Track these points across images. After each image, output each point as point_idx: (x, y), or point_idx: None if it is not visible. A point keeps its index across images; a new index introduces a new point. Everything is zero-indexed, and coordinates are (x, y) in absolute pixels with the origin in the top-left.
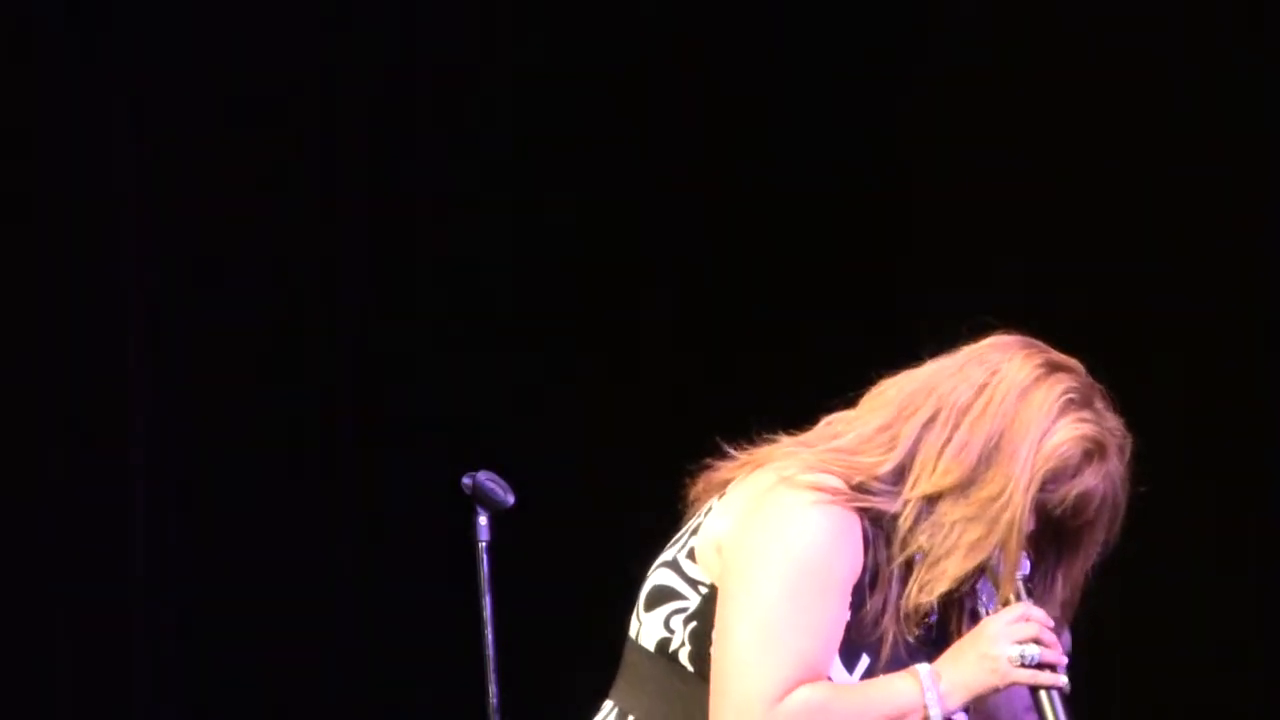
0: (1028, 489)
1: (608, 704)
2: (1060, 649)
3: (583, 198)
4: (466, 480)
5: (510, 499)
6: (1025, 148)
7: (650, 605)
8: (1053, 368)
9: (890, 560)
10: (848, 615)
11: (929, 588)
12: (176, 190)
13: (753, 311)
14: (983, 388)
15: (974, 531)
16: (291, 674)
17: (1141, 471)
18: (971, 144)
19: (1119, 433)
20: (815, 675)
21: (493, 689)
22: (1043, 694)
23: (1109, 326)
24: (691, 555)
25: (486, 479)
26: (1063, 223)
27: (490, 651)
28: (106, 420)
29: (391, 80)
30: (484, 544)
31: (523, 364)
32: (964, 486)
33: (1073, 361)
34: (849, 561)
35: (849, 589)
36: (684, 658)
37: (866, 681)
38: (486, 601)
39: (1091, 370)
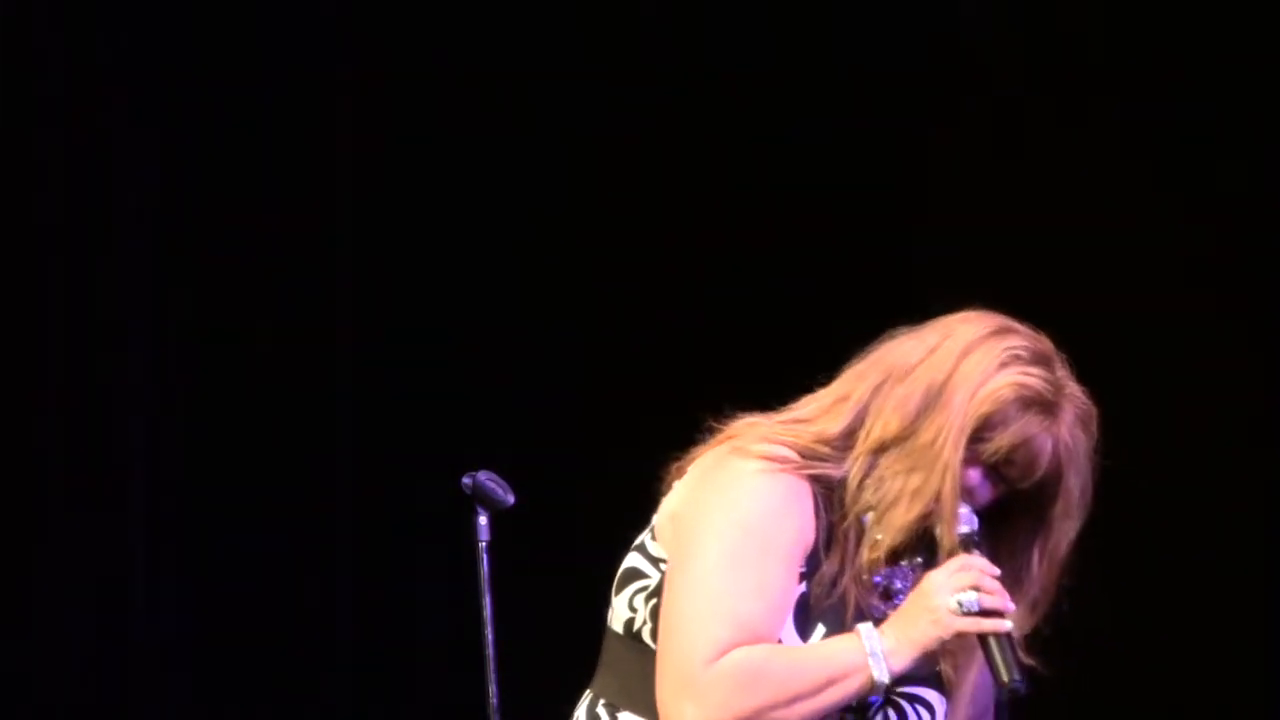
0: (961, 431)
1: (586, 693)
2: (1004, 596)
3: (583, 197)
4: (467, 480)
5: (510, 499)
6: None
7: (619, 588)
8: (1007, 330)
9: (843, 521)
10: (796, 583)
11: (878, 544)
12: (177, 188)
13: (756, 312)
14: (933, 349)
15: (914, 479)
16: (291, 673)
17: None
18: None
19: (1077, 399)
20: (758, 639)
21: (493, 689)
22: (991, 640)
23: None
24: (653, 533)
25: (486, 479)
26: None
27: (490, 651)
28: (106, 421)
29: (391, 79)
30: (484, 544)
31: (524, 363)
32: (904, 437)
33: (1035, 331)
34: (795, 527)
35: (796, 555)
36: (646, 635)
37: (810, 644)
38: (486, 601)
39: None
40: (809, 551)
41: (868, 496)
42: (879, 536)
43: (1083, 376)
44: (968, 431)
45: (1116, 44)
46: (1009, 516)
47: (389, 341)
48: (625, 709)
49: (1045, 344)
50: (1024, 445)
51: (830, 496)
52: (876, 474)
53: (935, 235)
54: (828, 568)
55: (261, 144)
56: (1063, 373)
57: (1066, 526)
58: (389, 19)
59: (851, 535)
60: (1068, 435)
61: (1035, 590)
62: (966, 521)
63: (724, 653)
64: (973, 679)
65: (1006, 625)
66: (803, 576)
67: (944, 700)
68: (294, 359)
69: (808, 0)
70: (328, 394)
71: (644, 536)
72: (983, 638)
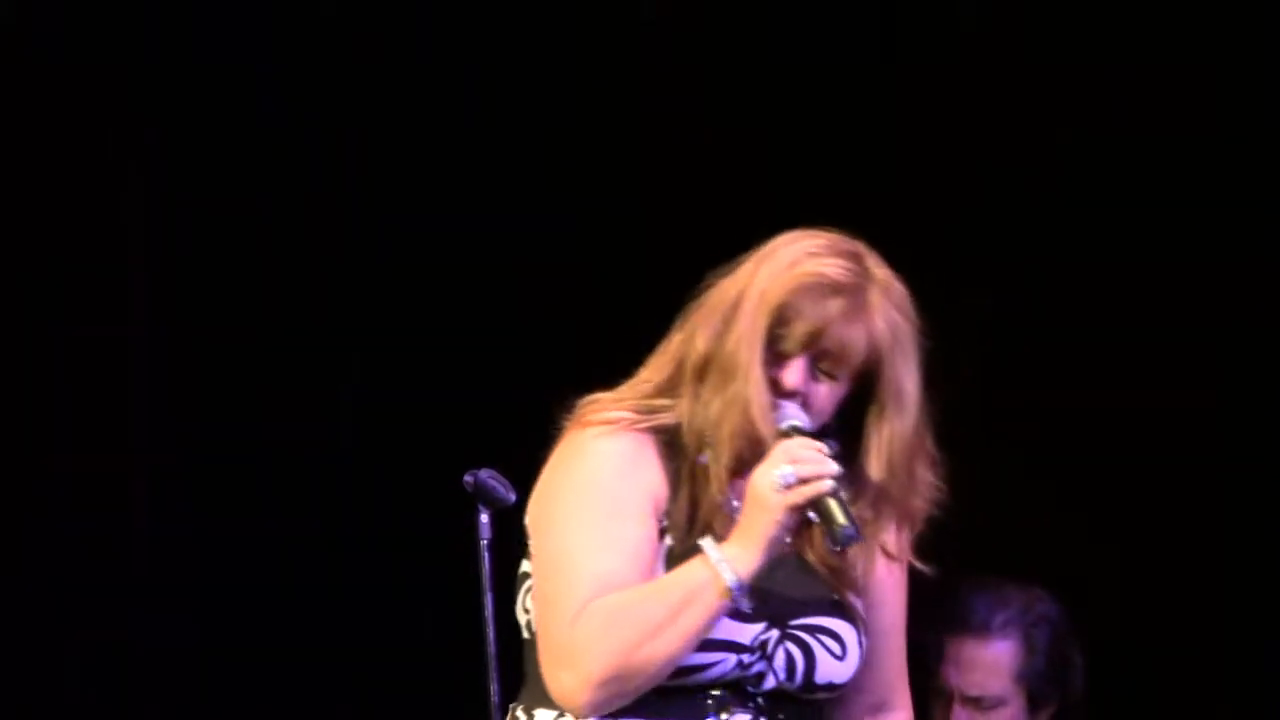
0: (754, 330)
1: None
2: (820, 462)
3: (584, 203)
4: (468, 478)
5: (512, 496)
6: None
7: (517, 597)
8: (808, 235)
9: (686, 463)
10: (657, 537)
11: (718, 467)
12: (178, 187)
13: None
14: (738, 273)
15: (727, 389)
16: (291, 673)
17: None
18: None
19: (889, 286)
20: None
21: (494, 688)
22: (821, 503)
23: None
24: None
25: (488, 476)
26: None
27: (491, 650)
28: (107, 420)
29: (391, 78)
30: (485, 542)
31: (525, 362)
32: (713, 355)
33: (845, 235)
34: (638, 479)
35: (646, 506)
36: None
37: (664, 575)
38: (488, 600)
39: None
40: (664, 503)
41: (698, 425)
42: (718, 459)
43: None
44: (761, 329)
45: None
46: (858, 418)
47: (390, 340)
48: (538, 708)
49: (851, 242)
50: (827, 333)
51: (674, 444)
52: (701, 401)
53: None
54: (681, 513)
55: (259, 143)
56: (873, 263)
57: (904, 416)
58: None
59: (698, 473)
60: (880, 321)
61: (897, 488)
62: (792, 417)
63: (580, 605)
64: (883, 601)
65: (826, 485)
66: (664, 532)
67: (856, 628)
68: (294, 357)
69: None
70: (329, 392)
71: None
72: (816, 506)
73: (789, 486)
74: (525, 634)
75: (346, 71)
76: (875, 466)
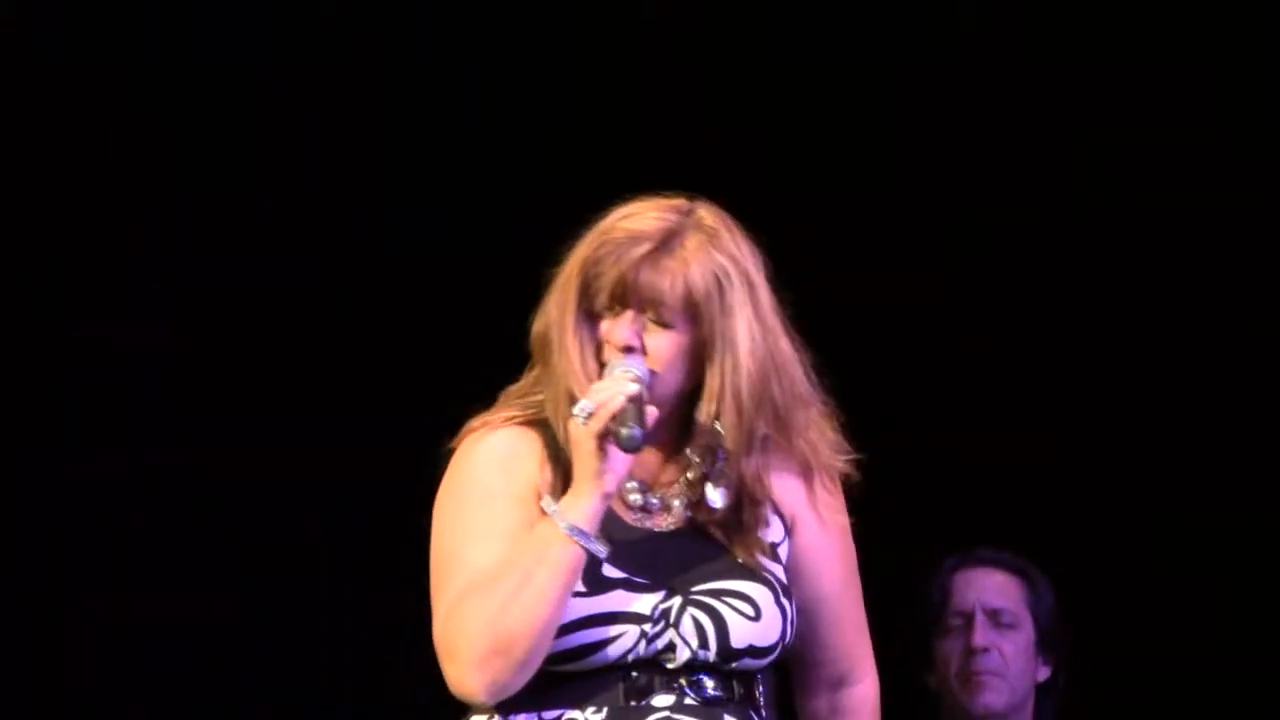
0: (566, 291)
1: None
2: (614, 383)
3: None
4: None
5: None
6: None
7: None
8: (640, 200)
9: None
10: (530, 515)
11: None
12: (180, 186)
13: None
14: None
15: (552, 363)
16: (291, 673)
17: None
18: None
19: (705, 226)
20: None
21: None
22: (619, 430)
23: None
24: None
25: None
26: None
27: None
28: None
29: (390, 78)
30: None
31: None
32: (543, 333)
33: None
34: (514, 468)
35: (521, 491)
36: None
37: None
38: None
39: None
40: (549, 487)
41: (550, 404)
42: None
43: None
44: (573, 296)
45: None
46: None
47: (391, 338)
48: (499, 713)
49: (687, 201)
50: (634, 281)
51: (549, 429)
52: (544, 382)
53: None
54: (559, 493)
55: (261, 143)
56: (706, 213)
57: (734, 361)
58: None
59: (563, 452)
60: (696, 264)
61: (748, 436)
62: (633, 368)
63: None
64: (818, 571)
65: (618, 402)
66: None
67: (771, 590)
68: (295, 356)
69: None
70: (329, 390)
71: None
72: (613, 418)
73: (590, 416)
74: None
75: (346, 71)
76: (703, 411)
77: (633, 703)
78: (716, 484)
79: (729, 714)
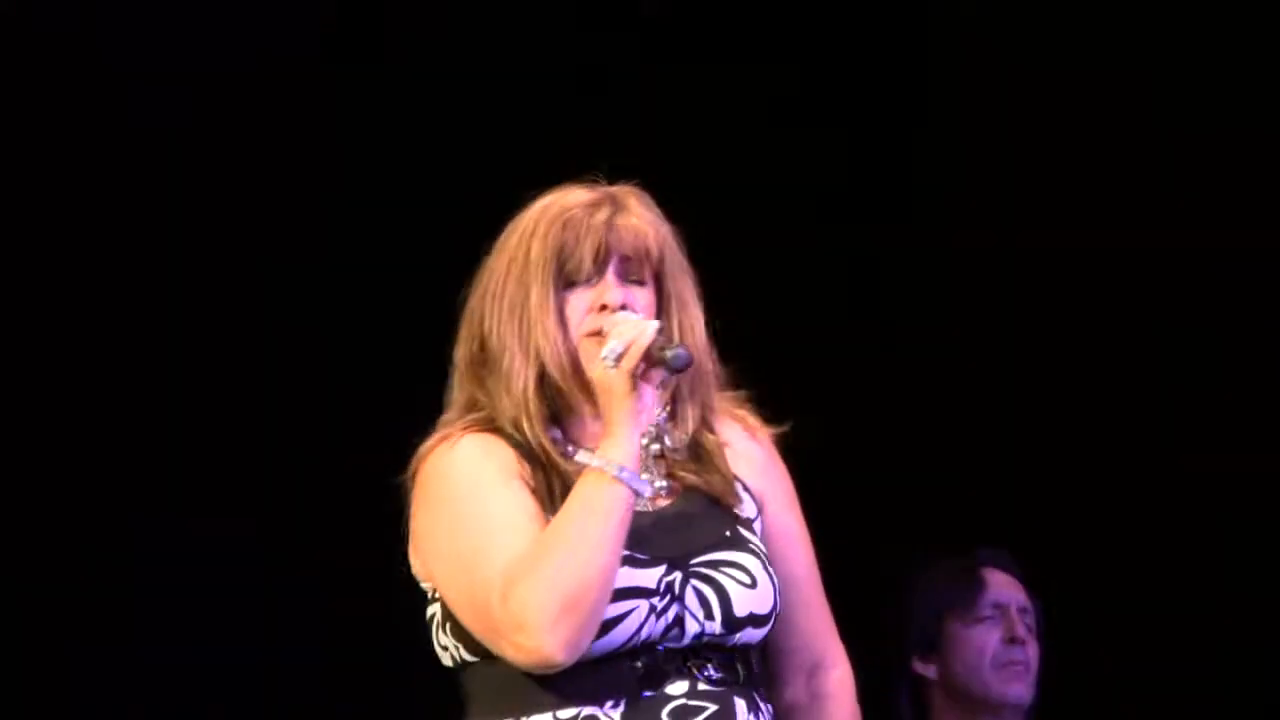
0: (541, 280)
1: None
2: (634, 321)
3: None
4: None
5: None
6: None
7: (431, 642)
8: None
9: (528, 444)
10: (529, 499)
11: (540, 436)
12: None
13: (754, 313)
14: (485, 274)
15: (505, 361)
16: (290, 672)
17: None
18: None
19: (634, 191)
20: None
21: None
22: (655, 346)
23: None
24: (416, 577)
25: None
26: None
27: None
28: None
29: (390, 78)
30: None
31: None
32: (498, 339)
33: None
34: (490, 461)
35: (511, 479)
36: (466, 653)
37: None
38: None
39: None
40: (529, 479)
41: (506, 399)
42: (536, 431)
43: None
44: (548, 280)
45: None
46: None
47: (393, 335)
48: (509, 717)
49: (583, 180)
50: (613, 239)
51: (504, 433)
52: (492, 375)
53: None
54: (542, 486)
55: (261, 143)
56: (615, 187)
57: (691, 307)
58: None
59: (538, 451)
60: (647, 217)
61: (704, 384)
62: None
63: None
64: (783, 554)
65: (647, 335)
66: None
67: (758, 559)
68: (295, 355)
69: None
70: (330, 389)
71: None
72: (649, 360)
73: (619, 357)
74: (453, 662)
75: (346, 71)
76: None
77: (647, 693)
78: (675, 428)
79: (738, 695)
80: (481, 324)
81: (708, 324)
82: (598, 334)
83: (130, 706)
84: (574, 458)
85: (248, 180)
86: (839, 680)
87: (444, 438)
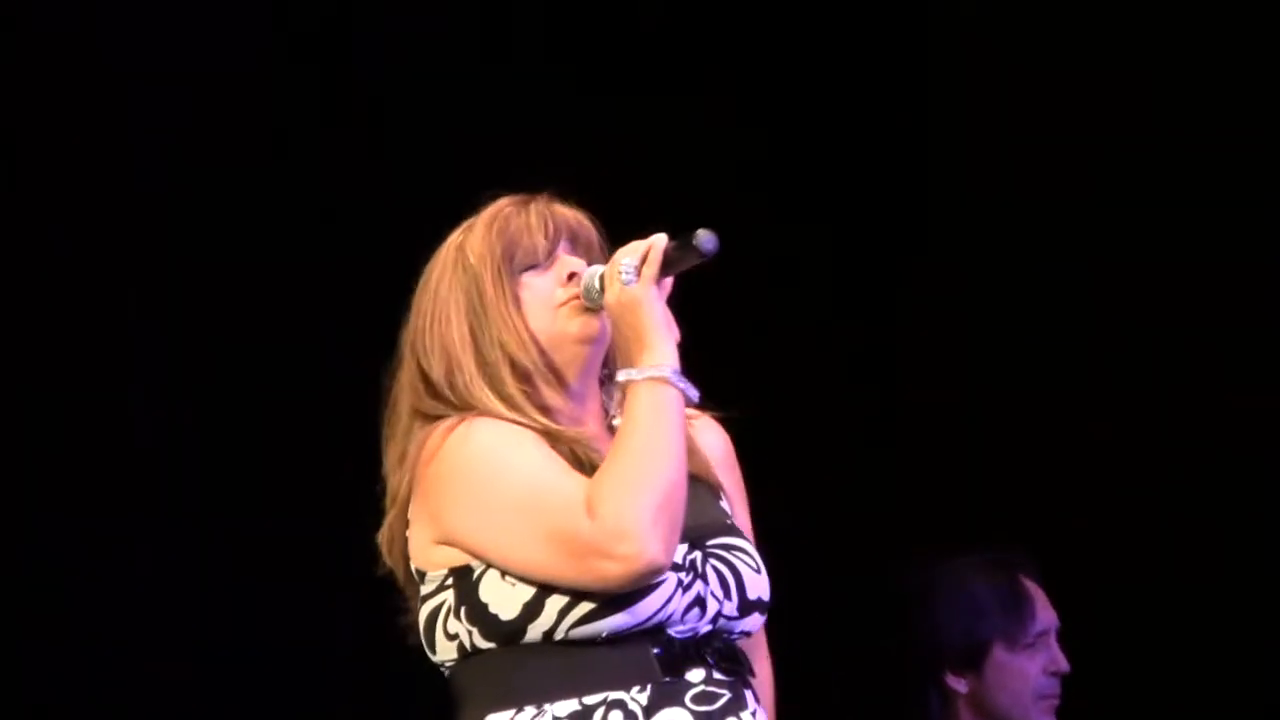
0: (496, 279)
1: None
2: (640, 242)
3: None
4: None
5: None
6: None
7: (430, 643)
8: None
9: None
10: (555, 456)
11: (541, 417)
12: (182, 190)
13: (754, 311)
14: (428, 303)
15: (475, 357)
16: (289, 672)
17: None
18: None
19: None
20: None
21: None
22: (692, 243)
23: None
24: (420, 578)
25: None
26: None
27: None
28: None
29: (390, 78)
30: None
31: None
32: (452, 350)
33: None
34: (503, 430)
35: (527, 440)
36: (479, 639)
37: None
38: None
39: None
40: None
41: (478, 392)
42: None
43: None
44: (503, 280)
45: None
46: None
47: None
48: (530, 704)
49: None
50: (556, 221)
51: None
52: (462, 389)
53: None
54: (567, 456)
55: (262, 143)
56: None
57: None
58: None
59: (541, 426)
60: (569, 207)
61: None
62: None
63: (583, 494)
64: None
65: (662, 242)
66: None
67: (752, 546)
68: (296, 355)
69: None
70: (329, 389)
71: (413, 596)
72: (668, 262)
73: (638, 269)
74: (460, 652)
75: (346, 71)
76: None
77: (668, 678)
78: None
79: (744, 686)
80: (434, 352)
81: (686, 328)
82: (577, 299)
83: (129, 711)
84: (615, 379)
85: (248, 180)
86: (765, 676)
87: (449, 428)
